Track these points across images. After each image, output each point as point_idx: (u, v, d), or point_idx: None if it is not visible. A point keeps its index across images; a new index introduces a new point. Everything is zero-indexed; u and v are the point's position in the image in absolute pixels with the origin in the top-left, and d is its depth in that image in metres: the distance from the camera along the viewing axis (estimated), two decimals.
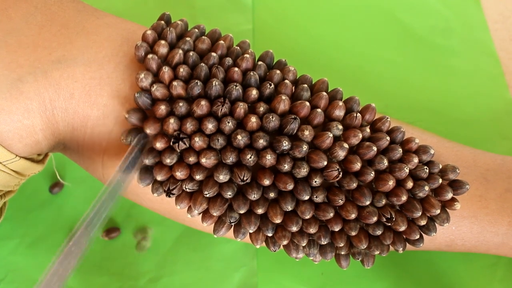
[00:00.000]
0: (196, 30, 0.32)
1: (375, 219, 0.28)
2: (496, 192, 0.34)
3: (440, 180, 0.30)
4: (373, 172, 0.28)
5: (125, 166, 0.29)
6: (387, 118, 0.30)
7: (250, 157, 0.28)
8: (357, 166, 0.28)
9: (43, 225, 0.42)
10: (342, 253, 0.31)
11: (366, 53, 0.51)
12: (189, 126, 0.28)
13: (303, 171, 0.28)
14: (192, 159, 0.28)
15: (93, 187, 0.44)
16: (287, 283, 0.40)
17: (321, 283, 0.40)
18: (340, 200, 0.28)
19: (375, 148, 0.28)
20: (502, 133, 0.46)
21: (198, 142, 0.28)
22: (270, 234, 0.29)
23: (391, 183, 0.28)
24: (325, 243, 0.29)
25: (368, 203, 0.28)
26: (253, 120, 0.28)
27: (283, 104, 0.28)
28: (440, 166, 0.31)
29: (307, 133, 0.28)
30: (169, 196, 0.30)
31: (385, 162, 0.29)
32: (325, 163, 0.28)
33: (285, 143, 0.27)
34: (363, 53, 0.51)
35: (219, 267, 0.41)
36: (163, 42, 0.30)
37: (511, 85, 0.48)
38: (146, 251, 0.41)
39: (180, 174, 0.29)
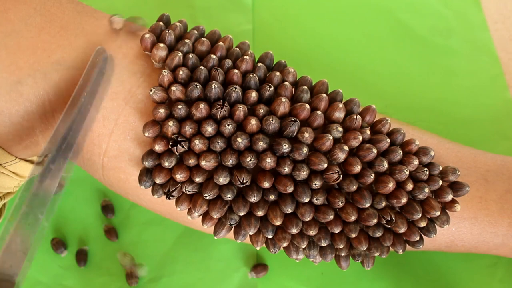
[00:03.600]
0: (195, 32, 0.32)
1: (375, 221, 0.28)
2: (496, 193, 0.34)
3: (440, 182, 0.30)
4: (373, 174, 0.28)
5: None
6: (387, 119, 0.30)
7: (250, 160, 0.28)
8: (357, 168, 0.28)
9: None
10: (342, 254, 0.31)
11: (366, 53, 0.51)
12: (188, 129, 0.28)
13: (303, 174, 0.28)
14: (192, 162, 0.28)
15: (93, 187, 0.44)
16: (287, 283, 0.40)
17: (321, 283, 0.40)
18: (340, 203, 0.28)
19: (375, 150, 0.28)
20: (502, 133, 0.46)
21: (198, 144, 0.28)
22: (270, 236, 0.29)
23: (391, 185, 0.28)
24: (325, 244, 0.29)
25: (368, 205, 0.28)
26: (253, 123, 0.28)
27: (283, 106, 0.28)
28: (440, 168, 0.31)
29: (307, 135, 0.28)
30: (169, 198, 0.30)
31: (385, 164, 0.29)
32: (325, 165, 0.28)
33: (285, 145, 0.27)
34: (363, 53, 0.51)
35: (219, 267, 0.41)
36: (162, 45, 0.30)
37: (511, 85, 0.48)
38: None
39: (180, 176, 0.29)
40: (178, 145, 0.28)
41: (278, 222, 0.28)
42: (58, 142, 0.27)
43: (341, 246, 0.29)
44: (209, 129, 0.28)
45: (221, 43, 0.31)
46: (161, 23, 0.32)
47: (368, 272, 0.40)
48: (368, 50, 0.51)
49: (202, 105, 0.28)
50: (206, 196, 0.28)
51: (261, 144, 0.28)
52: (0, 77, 0.28)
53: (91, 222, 0.43)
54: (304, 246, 0.29)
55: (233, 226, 0.30)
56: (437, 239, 0.34)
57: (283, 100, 0.28)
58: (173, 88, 0.29)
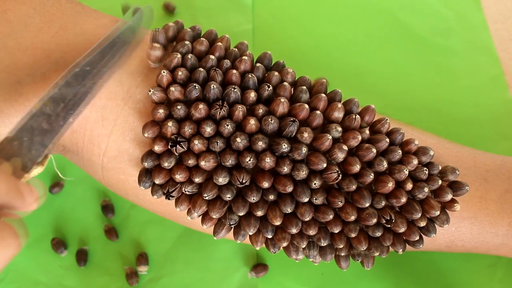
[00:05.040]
0: (189, 30, 0.32)
1: (374, 220, 0.28)
2: (496, 193, 0.34)
3: (440, 182, 0.30)
4: (372, 174, 0.28)
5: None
6: (387, 119, 0.30)
7: (249, 160, 0.28)
8: (357, 168, 0.28)
9: (43, 225, 0.42)
10: (342, 254, 0.31)
11: (366, 53, 0.51)
12: (188, 129, 0.28)
13: (303, 174, 0.28)
14: (191, 162, 0.28)
15: (93, 187, 0.44)
16: (287, 283, 0.40)
17: (321, 283, 0.40)
18: (339, 202, 0.28)
19: (374, 150, 0.28)
20: (502, 133, 0.46)
21: (198, 145, 0.28)
22: (269, 236, 0.29)
23: (390, 185, 0.28)
24: (325, 244, 0.29)
25: (367, 205, 0.28)
26: (252, 123, 0.28)
27: (282, 106, 0.28)
28: (440, 168, 0.30)
29: (306, 135, 0.28)
30: (169, 199, 0.30)
31: (385, 164, 0.29)
32: (325, 165, 0.28)
33: (284, 145, 0.27)
34: (363, 53, 0.51)
35: (219, 267, 0.41)
36: (156, 45, 0.30)
37: (511, 85, 0.48)
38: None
39: (179, 177, 0.29)
40: (178, 146, 0.28)
41: (277, 222, 0.28)
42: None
43: (341, 246, 0.29)
44: (208, 129, 0.28)
45: (219, 43, 0.31)
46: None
47: (368, 272, 0.40)
48: (368, 50, 0.51)
49: (201, 106, 0.28)
50: (205, 197, 0.28)
51: (260, 144, 0.28)
52: None
53: (91, 222, 0.43)
54: (304, 246, 0.29)
55: (232, 226, 0.30)
56: (437, 239, 0.34)
57: (282, 100, 0.28)
58: (172, 88, 0.29)
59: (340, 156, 0.28)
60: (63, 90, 0.26)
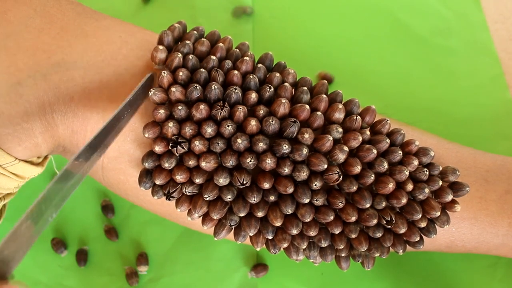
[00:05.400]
0: (195, 32, 0.32)
1: (375, 221, 0.28)
2: (496, 193, 0.34)
3: (440, 182, 0.30)
4: (373, 175, 0.28)
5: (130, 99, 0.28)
6: (387, 120, 0.30)
7: (250, 161, 0.28)
8: (357, 169, 0.28)
9: None
10: (342, 255, 0.31)
11: (366, 53, 0.51)
12: (188, 130, 0.28)
13: (303, 175, 0.28)
14: (192, 163, 0.28)
15: (93, 187, 0.44)
16: (287, 283, 0.40)
17: (321, 283, 0.40)
18: (340, 203, 0.28)
19: (375, 151, 0.28)
20: (502, 133, 0.46)
21: (198, 145, 0.28)
22: (270, 237, 0.29)
23: (391, 186, 0.28)
24: (325, 245, 0.29)
25: (368, 205, 0.28)
26: (253, 123, 0.28)
27: (283, 107, 0.28)
28: (440, 168, 0.31)
29: (307, 136, 0.28)
30: (169, 200, 0.30)
31: (385, 165, 0.29)
32: (325, 166, 0.28)
33: (285, 146, 0.27)
34: (363, 53, 0.51)
35: (219, 267, 0.41)
36: (161, 47, 0.30)
37: (511, 85, 0.48)
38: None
39: (180, 177, 0.29)
40: (178, 146, 0.28)
41: (278, 223, 0.28)
42: (89, 150, 0.26)
43: (341, 247, 0.29)
44: (209, 130, 0.28)
45: (220, 44, 0.31)
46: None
47: (368, 272, 0.40)
48: (368, 50, 0.51)
49: (202, 106, 0.28)
50: (206, 197, 0.28)
51: (261, 145, 0.28)
52: None
53: (91, 222, 0.43)
54: (304, 247, 0.29)
55: (233, 227, 0.30)
56: (437, 239, 0.34)
57: (283, 101, 0.28)
58: (173, 89, 0.29)
59: (341, 157, 0.28)
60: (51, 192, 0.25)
